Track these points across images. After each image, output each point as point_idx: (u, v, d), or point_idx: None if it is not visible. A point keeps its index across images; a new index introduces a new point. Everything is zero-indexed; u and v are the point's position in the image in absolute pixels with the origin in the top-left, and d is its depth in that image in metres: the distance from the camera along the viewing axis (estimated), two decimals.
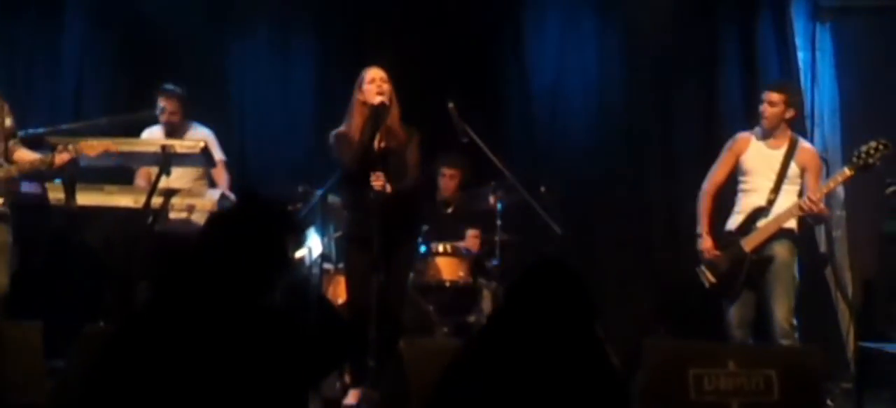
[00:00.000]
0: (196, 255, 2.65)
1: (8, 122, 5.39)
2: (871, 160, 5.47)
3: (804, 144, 5.80)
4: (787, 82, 6.22)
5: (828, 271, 6.69)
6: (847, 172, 5.57)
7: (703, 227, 5.83)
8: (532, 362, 2.65)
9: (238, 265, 2.59)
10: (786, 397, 4.49)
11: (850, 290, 6.78)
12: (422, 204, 5.82)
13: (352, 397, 5.42)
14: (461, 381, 2.69)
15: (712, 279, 5.76)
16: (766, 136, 5.75)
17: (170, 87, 6.46)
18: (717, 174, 5.90)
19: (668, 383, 4.50)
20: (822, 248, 6.78)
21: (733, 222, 5.79)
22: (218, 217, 2.81)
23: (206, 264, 2.60)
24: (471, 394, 2.64)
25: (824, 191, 5.66)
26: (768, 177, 5.69)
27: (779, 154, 5.70)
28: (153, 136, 6.47)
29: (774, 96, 5.69)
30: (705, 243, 5.79)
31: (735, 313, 5.71)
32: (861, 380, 5.45)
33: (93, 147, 5.33)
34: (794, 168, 5.67)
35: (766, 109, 5.69)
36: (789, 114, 5.70)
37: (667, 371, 4.53)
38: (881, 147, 5.46)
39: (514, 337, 2.71)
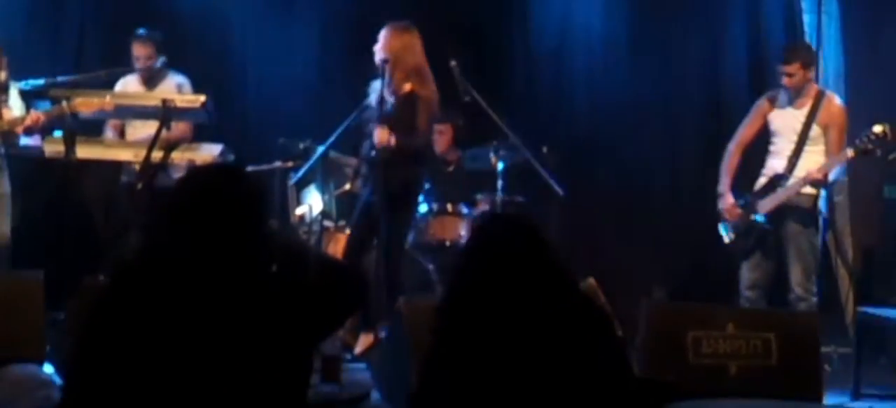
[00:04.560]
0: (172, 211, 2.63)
1: (2, 75, 5.36)
2: (871, 146, 5.49)
3: (829, 99, 5.78)
4: (794, 46, 6.20)
5: (828, 237, 6.68)
6: (849, 153, 5.59)
7: (724, 185, 5.89)
8: (508, 321, 2.64)
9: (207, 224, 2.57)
10: (784, 360, 4.48)
11: (850, 255, 6.78)
12: (419, 166, 5.79)
13: (361, 343, 5.46)
14: (444, 359, 2.67)
15: (732, 236, 5.84)
16: (789, 97, 5.77)
17: (142, 31, 6.38)
18: (743, 134, 5.95)
19: (666, 345, 4.50)
20: (824, 213, 6.77)
21: (758, 184, 5.85)
22: (185, 179, 2.80)
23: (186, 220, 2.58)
24: (456, 370, 2.63)
25: (824, 168, 5.67)
26: (791, 139, 5.73)
27: (801, 114, 5.73)
28: (128, 86, 6.41)
29: (789, 67, 5.70)
30: (726, 202, 5.85)
31: (747, 275, 5.81)
32: (859, 345, 5.46)
33: (88, 104, 5.30)
34: (815, 129, 5.69)
35: (786, 81, 5.72)
36: (809, 74, 5.74)
37: (665, 333, 4.53)
38: (883, 135, 5.48)
39: (483, 301, 2.69)
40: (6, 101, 5.37)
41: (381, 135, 5.35)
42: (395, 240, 5.59)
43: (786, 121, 5.76)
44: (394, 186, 5.46)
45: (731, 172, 5.90)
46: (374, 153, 5.41)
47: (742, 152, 5.94)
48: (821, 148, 5.71)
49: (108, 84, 6.17)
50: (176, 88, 6.27)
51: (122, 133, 6.41)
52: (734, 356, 4.49)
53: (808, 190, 5.69)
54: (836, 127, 5.70)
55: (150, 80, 6.37)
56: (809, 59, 5.82)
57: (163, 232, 2.63)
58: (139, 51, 6.33)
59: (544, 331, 2.62)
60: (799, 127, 5.70)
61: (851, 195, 6.86)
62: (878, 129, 5.49)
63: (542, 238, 2.77)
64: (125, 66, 6.37)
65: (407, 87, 5.50)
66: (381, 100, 5.49)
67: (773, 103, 5.85)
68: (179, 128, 6.10)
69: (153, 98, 5.81)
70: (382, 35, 5.57)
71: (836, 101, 5.85)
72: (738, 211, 5.80)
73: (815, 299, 5.67)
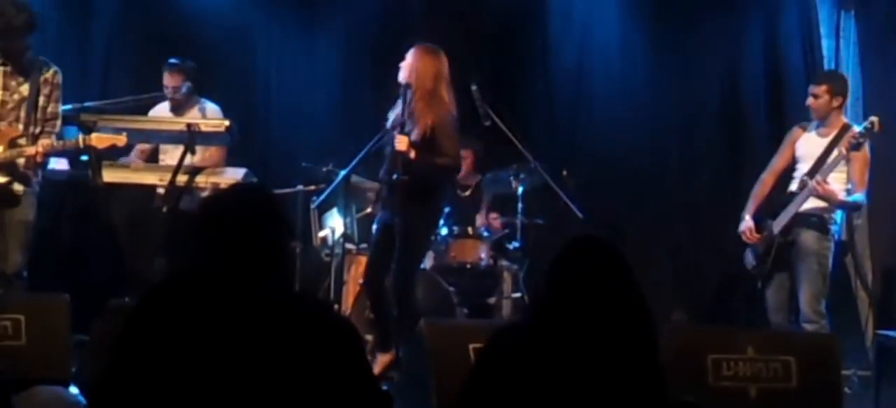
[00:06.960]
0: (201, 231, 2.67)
1: (50, 108, 5.41)
2: (861, 140, 5.56)
3: (855, 130, 5.77)
4: (831, 73, 6.35)
5: (848, 260, 6.68)
6: (842, 150, 5.62)
7: (748, 209, 5.93)
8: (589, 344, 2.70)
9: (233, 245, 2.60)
10: (804, 383, 4.48)
11: (869, 278, 6.77)
12: (440, 188, 5.79)
13: (378, 364, 5.48)
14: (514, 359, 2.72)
15: (753, 261, 5.88)
16: (817, 125, 5.84)
17: (173, 61, 6.46)
18: (776, 163, 6.02)
19: (686, 368, 4.50)
20: (843, 236, 6.77)
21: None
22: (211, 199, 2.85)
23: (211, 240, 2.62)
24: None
25: (826, 173, 5.68)
26: (810, 163, 5.77)
27: (825, 142, 5.77)
28: (158, 113, 6.49)
29: (816, 89, 5.80)
30: (744, 225, 5.88)
31: (770, 297, 5.84)
32: (879, 369, 5.45)
33: (102, 140, 5.35)
34: (836, 155, 5.68)
35: (811, 102, 5.80)
36: (836, 102, 5.78)
37: (685, 356, 4.53)
38: (871, 126, 5.56)
39: (565, 319, 2.74)
40: (50, 131, 5.42)
41: (400, 142, 5.38)
42: (411, 262, 5.63)
43: (810, 147, 5.82)
44: (413, 209, 5.48)
45: (758, 199, 5.94)
46: (394, 176, 5.43)
47: (775, 181, 5.98)
48: (843, 175, 5.71)
49: (135, 110, 6.24)
50: (200, 115, 6.34)
51: (150, 159, 6.47)
52: (754, 379, 4.48)
53: (820, 204, 5.69)
54: (858, 157, 5.69)
55: (179, 108, 6.45)
56: (837, 89, 5.83)
57: (193, 252, 2.67)
58: (168, 80, 6.42)
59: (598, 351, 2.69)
60: (820, 152, 5.74)
61: (871, 218, 6.86)
62: (869, 123, 5.58)
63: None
64: (152, 93, 6.46)
65: (428, 120, 5.47)
66: (402, 123, 5.50)
67: (801, 134, 5.92)
68: (211, 155, 6.18)
69: (179, 123, 5.87)
70: (408, 55, 5.60)
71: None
72: (757, 235, 5.83)
73: (824, 322, 5.64)
